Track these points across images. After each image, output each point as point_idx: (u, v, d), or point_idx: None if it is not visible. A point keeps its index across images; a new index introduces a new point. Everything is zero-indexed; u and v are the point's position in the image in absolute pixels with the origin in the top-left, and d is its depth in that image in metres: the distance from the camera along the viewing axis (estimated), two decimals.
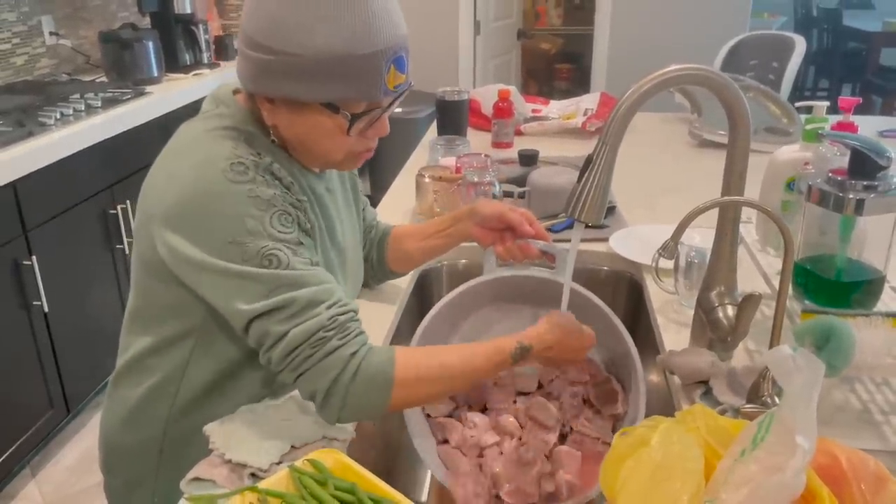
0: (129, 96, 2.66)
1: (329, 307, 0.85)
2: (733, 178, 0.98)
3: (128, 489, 1.04)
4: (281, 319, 0.84)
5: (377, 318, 1.24)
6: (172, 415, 0.98)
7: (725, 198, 0.95)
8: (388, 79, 0.85)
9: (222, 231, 0.84)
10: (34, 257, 2.12)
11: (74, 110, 2.41)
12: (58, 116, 2.32)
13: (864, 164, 0.92)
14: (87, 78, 3.02)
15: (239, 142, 0.88)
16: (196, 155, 0.87)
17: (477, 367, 0.91)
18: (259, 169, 0.86)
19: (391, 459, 1.21)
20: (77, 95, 2.54)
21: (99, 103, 2.52)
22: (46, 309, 2.18)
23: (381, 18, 0.83)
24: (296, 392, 0.94)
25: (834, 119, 1.25)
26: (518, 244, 1.08)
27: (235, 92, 0.96)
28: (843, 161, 0.98)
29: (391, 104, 0.90)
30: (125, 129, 2.52)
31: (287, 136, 0.92)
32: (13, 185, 2.05)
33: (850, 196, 0.92)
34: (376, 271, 1.23)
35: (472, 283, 1.10)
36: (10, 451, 2.11)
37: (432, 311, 1.07)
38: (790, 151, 1.21)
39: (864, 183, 0.92)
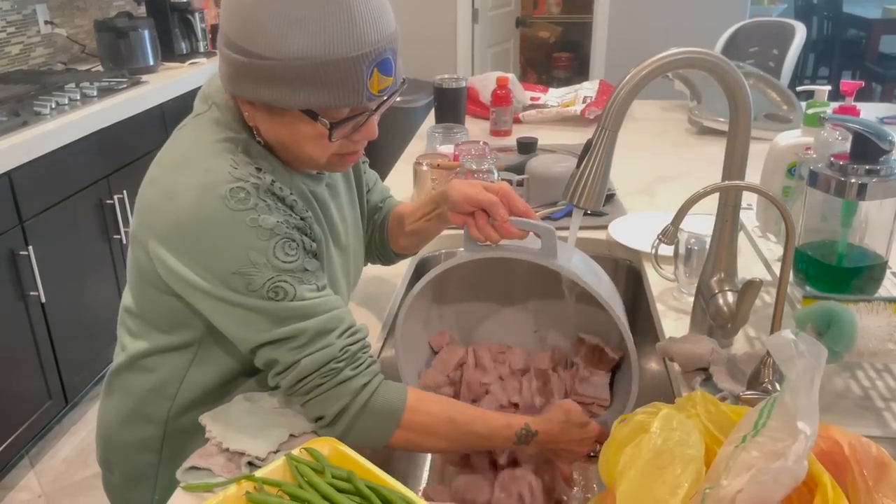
0: (125, 85, 2.65)
1: (340, 336, 0.85)
2: (734, 164, 0.97)
3: (127, 486, 1.03)
4: (291, 349, 0.84)
5: (375, 305, 1.23)
6: (172, 414, 0.97)
7: (727, 182, 0.94)
8: (370, 84, 0.80)
9: (225, 261, 0.82)
10: (30, 247, 2.11)
11: (70, 100, 2.39)
12: (53, 106, 2.31)
13: (866, 148, 0.91)
14: (83, 67, 3.00)
15: (237, 155, 0.85)
16: (195, 174, 0.83)
17: (480, 434, 0.91)
18: (260, 192, 0.83)
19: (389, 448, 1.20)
20: (72, 85, 2.53)
21: (94, 92, 2.50)
22: (43, 299, 2.17)
23: (362, 20, 0.77)
24: None
25: (835, 105, 1.24)
26: (493, 224, 0.95)
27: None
28: (845, 146, 0.97)
29: (378, 108, 0.85)
30: (121, 119, 2.51)
31: (269, 139, 0.88)
32: (9, 175, 2.03)
33: (853, 180, 0.91)
34: (380, 253, 1.20)
35: (447, 264, 1.00)
36: (9, 441, 2.11)
37: (410, 296, 1.02)
38: (791, 136, 1.20)
39: (867, 167, 0.91)
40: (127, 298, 0.98)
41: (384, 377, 0.89)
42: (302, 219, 0.89)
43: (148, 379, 0.96)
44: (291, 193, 0.88)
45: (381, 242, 1.19)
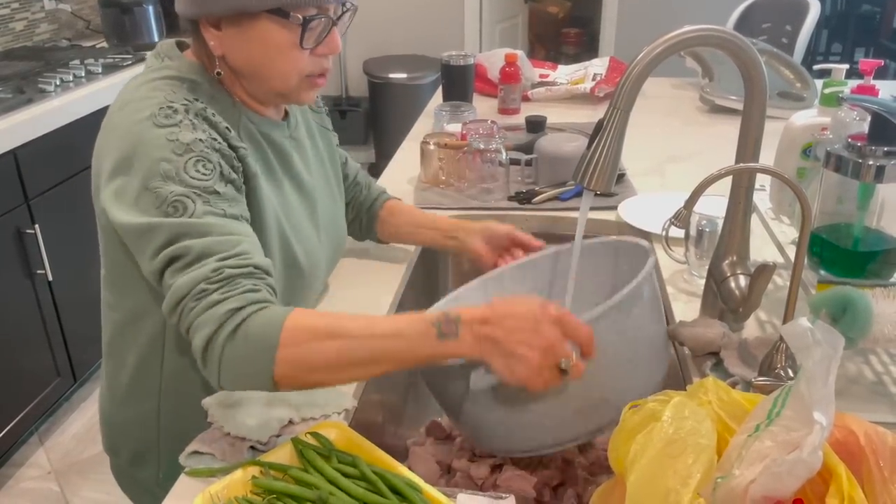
0: (130, 62, 2.62)
1: (221, 259, 0.77)
2: (748, 145, 0.94)
3: (133, 466, 1.04)
4: (173, 270, 0.78)
5: (380, 291, 1.22)
6: (164, 388, 0.97)
7: (741, 165, 0.92)
8: None
9: (140, 177, 0.81)
10: (37, 226, 2.11)
11: (74, 76, 2.37)
12: (58, 83, 2.29)
13: (884, 130, 0.89)
14: (88, 43, 2.97)
15: (179, 88, 0.87)
16: (133, 107, 0.85)
17: (385, 334, 0.75)
18: (189, 113, 0.84)
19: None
20: (77, 61, 2.51)
21: (99, 69, 2.48)
22: (50, 277, 2.18)
23: None
24: None
25: (852, 84, 1.21)
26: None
27: (180, 46, 0.94)
28: (862, 126, 0.95)
29: (340, 17, 0.88)
30: None
31: (238, 64, 0.89)
32: (14, 153, 2.02)
33: (870, 162, 0.89)
34: (363, 234, 1.26)
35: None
36: (18, 418, 2.12)
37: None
38: (807, 116, 1.18)
39: (885, 149, 0.88)
40: (103, 270, 0.98)
41: (267, 305, 0.77)
42: (231, 147, 0.87)
43: (131, 354, 0.97)
44: (229, 129, 0.87)
45: (367, 226, 1.25)
